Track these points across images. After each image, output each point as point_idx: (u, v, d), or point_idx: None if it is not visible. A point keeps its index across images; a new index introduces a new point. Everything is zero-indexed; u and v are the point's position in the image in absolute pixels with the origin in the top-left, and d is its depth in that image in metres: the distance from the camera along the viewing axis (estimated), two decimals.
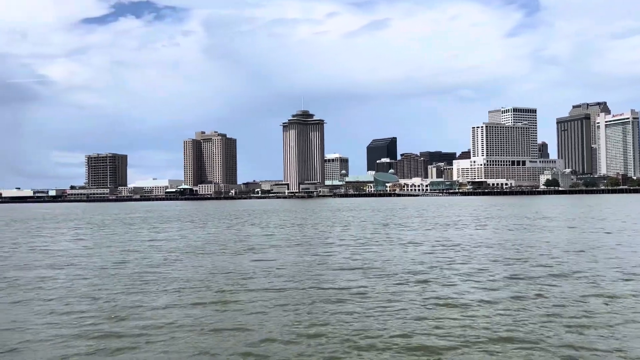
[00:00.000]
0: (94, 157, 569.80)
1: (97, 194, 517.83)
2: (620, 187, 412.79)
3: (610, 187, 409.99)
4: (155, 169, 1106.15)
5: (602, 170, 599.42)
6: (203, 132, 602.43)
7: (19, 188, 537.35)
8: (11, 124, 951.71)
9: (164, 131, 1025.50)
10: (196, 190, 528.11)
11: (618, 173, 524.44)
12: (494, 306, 20.26)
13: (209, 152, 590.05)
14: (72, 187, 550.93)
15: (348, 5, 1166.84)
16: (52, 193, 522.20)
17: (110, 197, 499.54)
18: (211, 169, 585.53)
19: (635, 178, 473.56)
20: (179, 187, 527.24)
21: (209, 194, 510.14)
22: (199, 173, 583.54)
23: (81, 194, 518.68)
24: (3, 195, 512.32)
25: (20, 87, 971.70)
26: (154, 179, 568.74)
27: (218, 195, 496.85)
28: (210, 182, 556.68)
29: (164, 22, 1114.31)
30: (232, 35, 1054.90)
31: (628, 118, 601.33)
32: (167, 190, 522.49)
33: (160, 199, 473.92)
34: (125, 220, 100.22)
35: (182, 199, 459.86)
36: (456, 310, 19.78)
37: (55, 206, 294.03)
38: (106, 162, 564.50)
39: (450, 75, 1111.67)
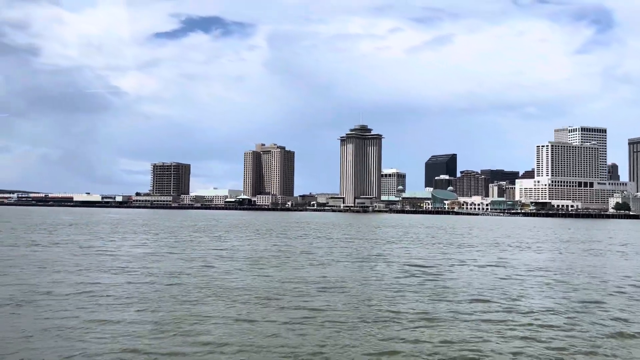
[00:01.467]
0: (159, 166, 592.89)
1: (161, 201, 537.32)
2: None
3: None
4: (216, 178, 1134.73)
5: None
6: (263, 144, 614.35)
7: (89, 193, 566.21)
8: (85, 132, 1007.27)
9: (225, 142, 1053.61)
10: (254, 201, 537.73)
11: None
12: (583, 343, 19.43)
13: (267, 164, 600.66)
14: (138, 194, 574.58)
15: (411, 21, 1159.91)
16: (119, 199, 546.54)
17: (173, 205, 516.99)
18: (269, 180, 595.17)
19: None
20: (237, 197, 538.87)
21: (266, 205, 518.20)
22: (258, 184, 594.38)
23: (145, 201, 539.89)
24: (74, 199, 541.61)
25: (95, 97, 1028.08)
26: (214, 188, 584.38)
27: (275, 207, 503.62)
28: (268, 193, 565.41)
29: (231, 37, 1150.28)
30: (294, 50, 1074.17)
31: None
32: (227, 199, 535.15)
33: (220, 208, 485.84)
34: (192, 227, 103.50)
35: (240, 209, 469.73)
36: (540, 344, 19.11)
37: (122, 211, 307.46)
38: (170, 171, 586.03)
39: (515, 92, 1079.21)
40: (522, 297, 27.34)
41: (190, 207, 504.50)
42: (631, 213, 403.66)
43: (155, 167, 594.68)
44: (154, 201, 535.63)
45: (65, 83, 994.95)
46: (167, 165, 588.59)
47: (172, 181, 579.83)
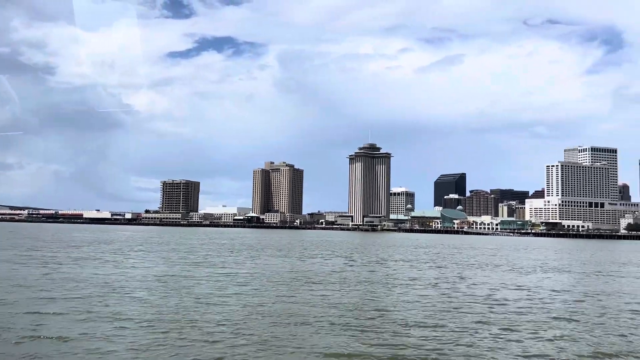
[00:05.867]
0: (169, 183, 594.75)
1: (170, 218, 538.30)
2: None
3: None
4: (225, 196, 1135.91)
5: None
6: (272, 163, 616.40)
7: (99, 210, 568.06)
8: (97, 149, 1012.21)
9: (235, 160, 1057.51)
10: (262, 219, 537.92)
11: None
12: None
13: (276, 182, 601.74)
14: (147, 211, 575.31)
15: (421, 42, 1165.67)
16: (128, 216, 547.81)
17: (182, 222, 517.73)
18: (278, 198, 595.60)
19: None
20: (246, 215, 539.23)
21: (274, 223, 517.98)
22: (266, 202, 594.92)
23: (155, 218, 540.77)
24: (84, 216, 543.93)
25: (108, 115, 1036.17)
26: (223, 206, 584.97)
27: (283, 224, 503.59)
28: (277, 211, 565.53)
29: (242, 56, 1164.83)
30: (304, 69, 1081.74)
31: None
32: (235, 217, 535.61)
33: (228, 226, 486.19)
34: (219, 245, 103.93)
35: (248, 227, 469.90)
36: None
37: (131, 229, 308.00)
38: (180, 188, 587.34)
39: (525, 112, 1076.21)
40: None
41: (199, 224, 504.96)
42: None
43: (164, 184, 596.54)
44: (163, 218, 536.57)
45: (79, 101, 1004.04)
46: (177, 183, 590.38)
47: (181, 198, 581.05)
